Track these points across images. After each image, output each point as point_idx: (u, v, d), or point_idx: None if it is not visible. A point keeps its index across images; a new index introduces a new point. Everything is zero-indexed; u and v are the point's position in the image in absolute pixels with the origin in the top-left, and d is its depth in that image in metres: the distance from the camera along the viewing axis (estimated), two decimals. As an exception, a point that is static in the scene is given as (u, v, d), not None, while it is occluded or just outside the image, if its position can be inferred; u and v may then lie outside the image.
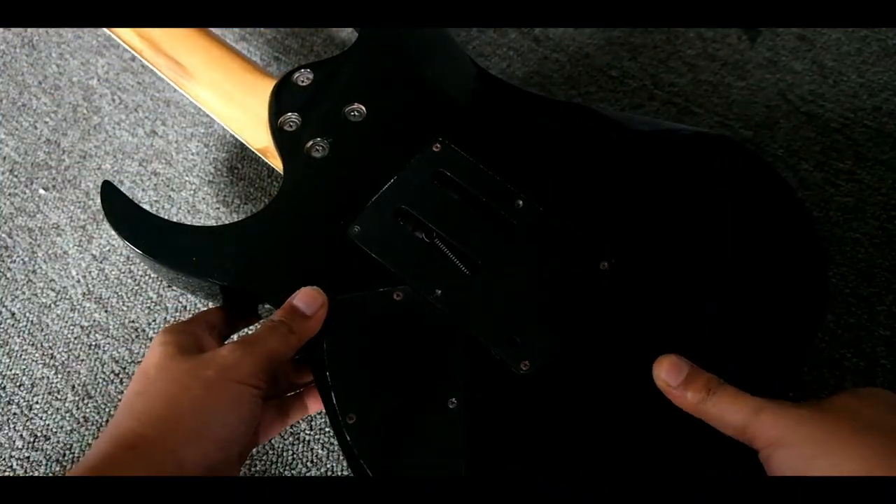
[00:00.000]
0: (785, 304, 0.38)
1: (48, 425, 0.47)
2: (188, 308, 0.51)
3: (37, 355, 0.50)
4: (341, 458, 0.45)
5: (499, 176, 0.42)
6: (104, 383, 0.49)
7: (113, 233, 0.55)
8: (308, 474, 0.45)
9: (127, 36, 0.52)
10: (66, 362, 0.50)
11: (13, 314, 0.52)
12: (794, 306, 0.38)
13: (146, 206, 0.49)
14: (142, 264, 0.53)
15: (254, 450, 0.45)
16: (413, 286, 0.39)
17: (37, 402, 0.48)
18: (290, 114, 0.46)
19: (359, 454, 0.35)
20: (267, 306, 0.40)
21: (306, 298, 0.37)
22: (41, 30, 0.66)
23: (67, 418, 0.48)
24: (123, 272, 0.53)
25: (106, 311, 0.51)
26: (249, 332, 0.37)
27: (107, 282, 0.53)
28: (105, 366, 0.49)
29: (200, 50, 0.51)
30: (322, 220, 0.42)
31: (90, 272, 0.53)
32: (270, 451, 0.46)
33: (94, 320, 0.51)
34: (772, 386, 0.37)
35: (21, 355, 0.50)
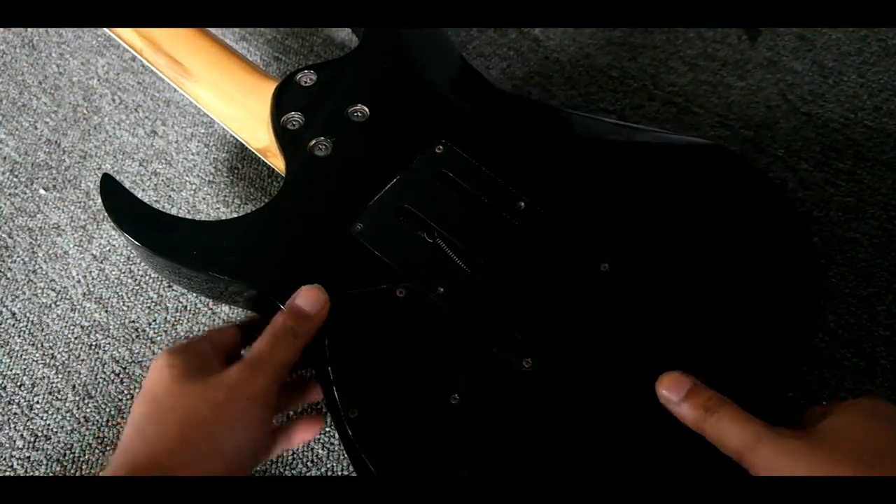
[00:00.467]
0: (782, 305, 0.39)
1: (48, 425, 0.47)
2: (188, 308, 0.51)
3: (37, 355, 0.50)
4: (341, 458, 0.45)
5: (501, 178, 0.42)
6: (104, 383, 0.49)
7: (113, 233, 0.55)
8: (308, 474, 0.45)
9: (127, 36, 0.52)
10: (66, 362, 0.50)
11: (13, 314, 0.52)
12: (791, 307, 0.39)
13: (147, 206, 0.49)
14: (142, 263, 0.53)
15: (254, 450, 0.46)
16: (416, 284, 0.39)
17: (37, 402, 0.48)
18: (293, 113, 0.46)
19: (361, 449, 0.35)
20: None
21: (309, 298, 0.37)
22: (41, 30, 0.66)
23: (68, 418, 0.48)
24: (124, 272, 0.53)
25: (106, 311, 0.51)
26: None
27: (107, 282, 0.53)
28: (105, 366, 0.49)
29: (200, 50, 0.51)
30: (324, 217, 0.42)
31: (90, 272, 0.53)
32: (271, 451, 0.46)
33: (95, 320, 0.51)
34: (772, 386, 0.37)
35: (21, 355, 0.50)
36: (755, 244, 0.40)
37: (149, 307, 0.51)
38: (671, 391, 0.34)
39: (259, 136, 0.48)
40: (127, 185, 0.57)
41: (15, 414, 0.48)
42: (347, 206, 0.42)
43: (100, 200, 0.44)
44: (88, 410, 0.48)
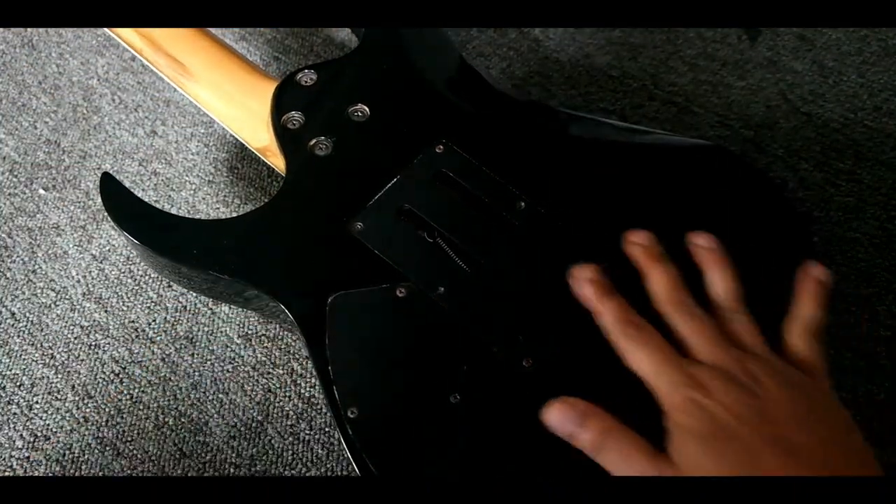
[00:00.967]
0: (782, 305, 0.39)
1: (48, 425, 0.47)
2: (188, 308, 0.51)
3: (37, 355, 0.50)
4: (341, 458, 0.45)
5: (501, 178, 0.42)
6: (104, 383, 0.49)
7: (113, 233, 0.55)
8: (308, 474, 0.45)
9: (127, 36, 0.52)
10: (65, 362, 0.50)
11: (13, 314, 0.52)
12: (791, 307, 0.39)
13: (146, 206, 0.49)
14: (142, 263, 0.53)
15: (254, 449, 0.45)
16: (416, 283, 0.39)
17: (37, 402, 0.48)
18: (293, 112, 0.46)
19: (361, 448, 0.35)
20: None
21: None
22: (41, 30, 0.66)
23: (67, 418, 0.48)
24: (123, 272, 0.53)
25: (106, 311, 0.51)
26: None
27: (107, 282, 0.53)
28: (105, 366, 0.49)
29: (200, 50, 0.51)
30: (324, 216, 0.42)
31: (90, 272, 0.53)
32: (270, 452, 0.46)
33: (94, 320, 0.51)
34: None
35: (21, 355, 0.50)
36: (755, 244, 0.40)
37: (148, 307, 0.51)
38: (560, 423, 0.34)
39: (259, 136, 0.48)
40: (127, 184, 0.57)
41: (14, 414, 0.48)
42: (347, 206, 0.42)
43: (99, 200, 0.44)
44: (88, 410, 0.48)
